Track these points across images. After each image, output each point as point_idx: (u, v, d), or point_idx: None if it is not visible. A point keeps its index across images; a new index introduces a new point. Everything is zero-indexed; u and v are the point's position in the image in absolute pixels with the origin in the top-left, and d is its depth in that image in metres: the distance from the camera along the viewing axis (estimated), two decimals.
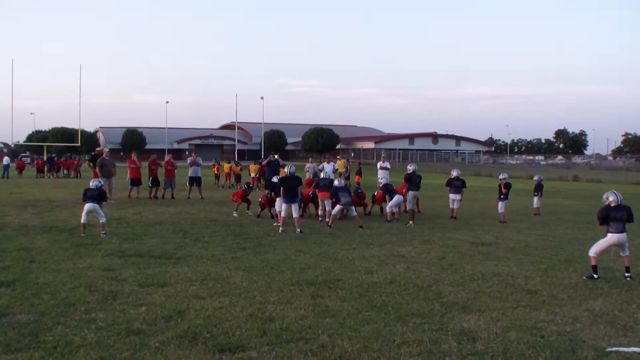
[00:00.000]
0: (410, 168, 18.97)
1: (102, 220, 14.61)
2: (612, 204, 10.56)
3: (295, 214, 15.80)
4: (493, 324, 7.40)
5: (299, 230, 15.38)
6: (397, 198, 18.80)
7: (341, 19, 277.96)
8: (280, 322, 7.21)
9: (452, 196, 19.65)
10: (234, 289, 8.94)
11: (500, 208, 19.22)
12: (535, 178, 22.93)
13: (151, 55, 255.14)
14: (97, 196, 14.72)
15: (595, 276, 10.24)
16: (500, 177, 20.39)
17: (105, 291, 8.66)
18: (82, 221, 14.51)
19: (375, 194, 20.49)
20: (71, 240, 13.40)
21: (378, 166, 26.70)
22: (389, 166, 28.37)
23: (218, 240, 13.74)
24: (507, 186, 19.66)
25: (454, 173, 19.67)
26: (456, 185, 19.34)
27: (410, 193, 18.25)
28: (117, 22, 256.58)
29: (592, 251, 10.60)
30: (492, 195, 22.15)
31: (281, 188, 15.85)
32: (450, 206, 19.72)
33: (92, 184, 15.08)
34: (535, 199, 21.75)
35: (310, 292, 8.79)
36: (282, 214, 15.94)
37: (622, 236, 10.46)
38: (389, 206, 18.71)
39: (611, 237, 10.51)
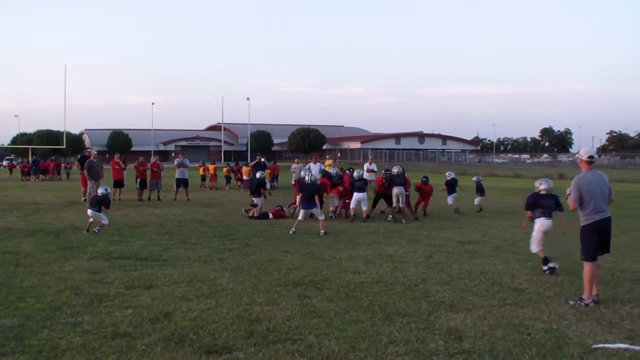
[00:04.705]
0: (395, 170, 19.03)
1: (103, 222, 15.19)
2: (542, 192, 10.97)
3: (320, 217, 15.90)
4: (480, 322, 7.42)
5: (322, 231, 15.37)
6: (356, 196, 18.93)
7: (327, 18, 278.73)
8: (267, 323, 7.20)
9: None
10: (220, 290, 8.92)
11: (450, 201, 21.06)
12: (474, 179, 23.71)
13: (137, 56, 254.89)
14: (97, 202, 15.31)
15: (552, 264, 10.49)
16: (447, 175, 21.84)
17: (91, 294, 8.62)
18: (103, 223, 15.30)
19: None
20: (57, 243, 13.34)
21: (365, 168, 26.64)
22: (375, 168, 28.30)
23: (205, 242, 13.71)
24: (451, 183, 21.01)
25: (395, 170, 19.45)
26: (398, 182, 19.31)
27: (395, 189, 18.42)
28: (102, 23, 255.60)
29: (533, 247, 10.92)
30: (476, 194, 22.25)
31: (300, 195, 16.24)
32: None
33: (99, 191, 15.84)
34: (477, 198, 22.46)
35: (297, 293, 8.77)
36: (300, 218, 16.02)
37: (547, 222, 10.85)
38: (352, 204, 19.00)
39: (540, 224, 10.87)
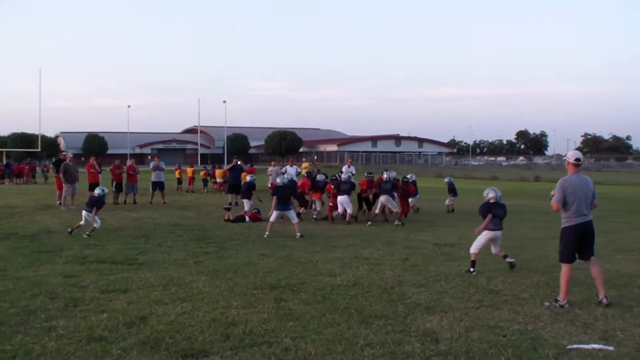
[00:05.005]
0: (385, 175, 18.98)
1: (95, 225, 15.13)
2: (492, 201, 11.16)
3: (294, 220, 15.95)
4: (456, 324, 7.46)
5: (299, 234, 15.44)
6: (340, 199, 19.12)
7: (301, 20, 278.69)
8: (243, 327, 7.19)
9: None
10: (196, 293, 8.89)
11: (412, 202, 21.49)
12: (446, 180, 24.21)
13: (112, 58, 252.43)
14: (93, 203, 15.33)
15: (472, 270, 10.70)
16: (409, 177, 21.95)
17: (66, 298, 8.56)
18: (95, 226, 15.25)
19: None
20: (31, 247, 13.21)
21: (344, 170, 26.65)
22: (354, 171, 28.32)
23: (181, 245, 13.66)
24: (404, 183, 20.81)
25: (385, 175, 19.18)
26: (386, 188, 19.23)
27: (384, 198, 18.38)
28: (77, 24, 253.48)
29: (473, 248, 11.05)
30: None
31: (274, 197, 16.11)
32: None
33: (96, 191, 15.91)
34: (449, 199, 23.13)
35: (274, 296, 8.77)
36: (272, 220, 15.97)
37: (498, 233, 11.16)
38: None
39: (488, 233, 11.12)
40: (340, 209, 18.96)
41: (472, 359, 6.24)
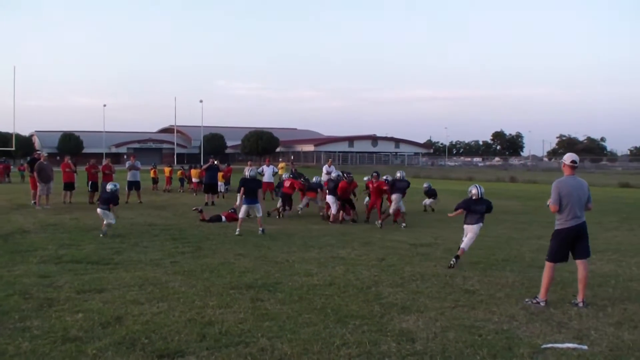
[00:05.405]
0: (398, 175, 18.95)
1: (110, 221, 15.17)
2: (474, 197, 11.70)
3: (258, 214, 16.02)
4: (432, 323, 7.50)
5: (261, 229, 15.57)
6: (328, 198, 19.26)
7: (278, 21, 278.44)
8: (219, 327, 7.19)
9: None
10: (172, 293, 8.87)
11: (427, 202, 22.39)
12: (425, 186, 24.49)
13: (88, 56, 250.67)
14: (107, 200, 15.30)
15: (453, 262, 11.29)
16: (424, 186, 22.63)
17: (41, 298, 8.49)
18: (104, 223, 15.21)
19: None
20: (5, 247, 13.09)
21: (324, 170, 26.65)
22: (334, 171, 28.31)
23: (157, 245, 13.60)
24: (429, 191, 21.63)
25: (398, 174, 19.13)
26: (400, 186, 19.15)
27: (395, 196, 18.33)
28: (52, 22, 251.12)
29: (464, 245, 11.60)
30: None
31: (241, 189, 16.11)
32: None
33: (108, 187, 15.82)
34: (429, 200, 23.65)
35: (250, 296, 8.77)
36: (241, 216, 16.05)
37: (475, 227, 11.67)
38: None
39: (466, 228, 11.77)
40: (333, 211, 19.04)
41: (448, 358, 6.28)
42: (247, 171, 16.69)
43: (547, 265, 8.73)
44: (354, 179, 19.79)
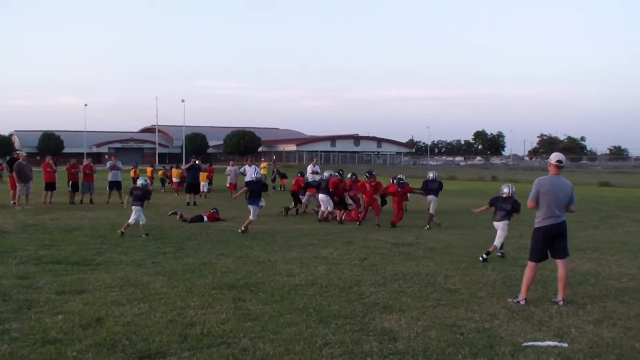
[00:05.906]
0: (430, 175, 18.74)
1: (142, 221, 15.26)
2: (504, 195, 12.59)
3: (251, 217, 16.25)
4: (414, 323, 7.52)
5: (242, 228, 15.97)
6: (320, 197, 19.49)
7: (259, 20, 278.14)
8: (201, 327, 7.16)
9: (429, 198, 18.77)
10: (154, 294, 8.83)
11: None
12: (399, 176, 24.12)
13: (69, 55, 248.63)
14: (141, 197, 15.41)
15: (483, 257, 12.07)
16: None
17: (20, 300, 8.41)
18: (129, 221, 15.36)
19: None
20: None
21: (309, 170, 26.65)
22: (319, 170, 28.26)
23: (138, 246, 13.53)
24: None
25: (431, 175, 18.85)
26: (432, 187, 18.54)
27: (430, 197, 18.22)
28: (33, 19, 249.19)
29: (497, 242, 12.48)
30: (412, 196, 22.49)
31: (247, 189, 16.75)
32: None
33: (139, 182, 15.97)
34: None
35: (232, 296, 8.75)
36: (251, 218, 16.29)
37: (501, 224, 12.51)
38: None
39: (495, 225, 12.68)
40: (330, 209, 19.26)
41: (429, 357, 6.29)
42: (229, 171, 16.92)
43: (530, 264, 8.79)
44: (376, 178, 19.47)
